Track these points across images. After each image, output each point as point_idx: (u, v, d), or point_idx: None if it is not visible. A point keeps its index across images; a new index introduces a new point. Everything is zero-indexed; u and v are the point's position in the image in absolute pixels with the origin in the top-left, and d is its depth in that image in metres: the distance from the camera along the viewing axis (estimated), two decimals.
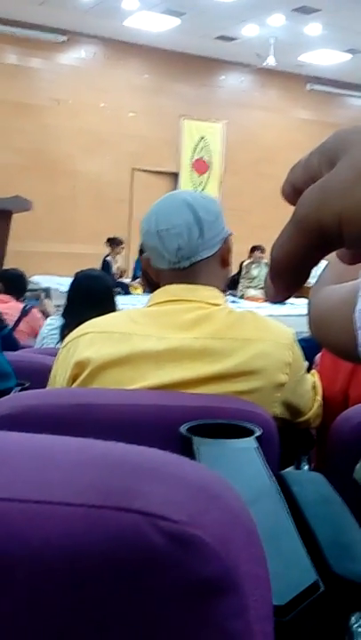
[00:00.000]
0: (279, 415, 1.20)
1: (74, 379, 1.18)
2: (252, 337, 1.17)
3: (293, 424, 1.30)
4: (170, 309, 1.20)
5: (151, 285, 1.35)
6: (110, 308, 2.42)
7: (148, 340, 1.15)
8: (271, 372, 1.16)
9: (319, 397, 1.35)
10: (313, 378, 1.38)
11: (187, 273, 1.24)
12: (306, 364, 1.30)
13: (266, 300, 7.11)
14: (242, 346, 1.15)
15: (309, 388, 1.32)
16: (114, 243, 7.79)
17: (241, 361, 1.14)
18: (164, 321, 1.18)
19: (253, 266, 7.84)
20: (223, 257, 1.28)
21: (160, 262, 1.25)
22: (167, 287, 1.24)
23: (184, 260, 1.23)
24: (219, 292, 1.26)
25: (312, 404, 1.32)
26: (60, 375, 1.22)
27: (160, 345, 1.14)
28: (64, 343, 1.26)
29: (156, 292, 1.26)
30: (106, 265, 7.73)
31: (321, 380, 1.39)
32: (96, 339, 1.18)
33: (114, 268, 7.59)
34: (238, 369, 1.13)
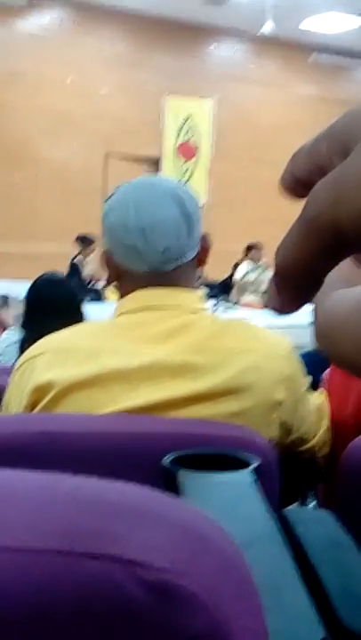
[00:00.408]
0: (278, 441, 1.21)
1: (33, 406, 1.17)
2: (240, 347, 1.17)
3: (296, 453, 1.30)
4: (142, 319, 1.20)
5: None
6: (76, 318, 2.43)
7: (118, 357, 1.15)
8: (265, 389, 1.16)
9: (326, 421, 1.35)
10: (319, 399, 1.38)
11: (168, 276, 1.23)
12: (309, 380, 1.30)
13: (265, 307, 7.13)
14: (229, 358, 1.15)
15: (313, 409, 1.32)
16: (84, 242, 7.76)
17: (228, 376, 1.14)
18: (137, 333, 1.18)
19: (250, 269, 7.73)
20: (201, 257, 1.30)
21: (137, 264, 1.23)
22: (139, 292, 1.23)
23: (170, 262, 1.22)
24: (198, 294, 1.27)
25: (317, 430, 1.33)
26: (13, 403, 1.22)
27: (133, 361, 1.14)
28: (17, 364, 1.25)
29: (125, 299, 1.25)
30: (74, 268, 7.70)
31: (330, 402, 1.40)
32: (56, 359, 1.17)
33: (84, 272, 7.58)
34: (226, 386, 1.14)
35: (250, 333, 1.22)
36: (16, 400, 1.21)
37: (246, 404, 1.15)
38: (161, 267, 1.22)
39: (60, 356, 1.17)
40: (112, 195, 1.27)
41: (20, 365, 1.23)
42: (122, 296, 1.27)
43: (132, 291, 1.24)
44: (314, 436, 1.32)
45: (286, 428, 1.22)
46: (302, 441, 1.29)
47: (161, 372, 1.14)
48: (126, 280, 1.26)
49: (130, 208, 1.21)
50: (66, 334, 1.24)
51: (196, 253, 1.26)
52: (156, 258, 1.21)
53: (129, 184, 1.26)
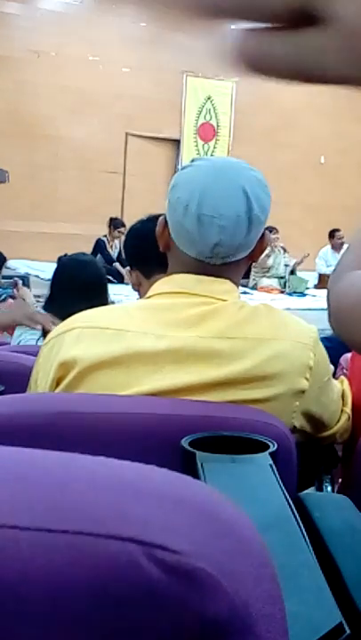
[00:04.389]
0: (299, 428, 1.21)
1: (58, 382, 1.18)
2: (266, 335, 1.16)
3: (316, 439, 1.30)
4: (171, 303, 1.19)
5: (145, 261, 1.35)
6: (102, 300, 2.41)
7: (145, 339, 1.14)
8: (289, 377, 1.15)
9: (348, 409, 1.34)
10: (341, 385, 1.37)
11: (213, 269, 1.21)
12: (331, 368, 1.30)
13: (283, 292, 7.11)
14: (255, 346, 1.14)
15: (336, 397, 1.31)
16: (115, 224, 7.71)
17: (254, 364, 1.13)
18: (165, 316, 1.17)
19: (267, 253, 7.66)
20: (254, 255, 1.27)
21: (186, 247, 1.21)
22: (173, 277, 1.23)
23: (218, 257, 1.20)
24: (232, 285, 1.23)
25: (339, 417, 1.32)
26: (42, 378, 1.22)
27: (159, 344, 1.14)
28: (46, 340, 1.25)
29: (157, 283, 1.25)
30: (99, 245, 7.68)
31: (351, 386, 1.39)
32: (85, 335, 1.17)
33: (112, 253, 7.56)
34: (250, 373, 1.13)
35: (277, 320, 1.20)
36: (44, 376, 1.21)
37: (270, 392, 1.14)
38: (207, 259, 1.20)
39: (89, 333, 1.17)
40: (186, 166, 1.24)
41: (49, 341, 1.23)
42: (162, 269, 1.28)
43: (178, 268, 1.23)
44: (336, 423, 1.31)
45: (309, 416, 1.22)
46: (324, 427, 1.29)
47: (187, 356, 1.13)
48: (173, 256, 1.26)
49: (195, 191, 1.17)
50: (97, 312, 1.24)
51: (249, 252, 1.23)
52: (206, 250, 1.19)
53: (204, 162, 1.22)
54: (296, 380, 1.16)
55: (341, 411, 1.33)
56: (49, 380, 1.19)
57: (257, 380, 1.13)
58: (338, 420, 1.31)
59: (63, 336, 1.19)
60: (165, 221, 1.25)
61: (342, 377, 1.44)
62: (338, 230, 8.39)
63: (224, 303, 1.19)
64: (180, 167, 1.27)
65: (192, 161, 1.26)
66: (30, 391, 1.28)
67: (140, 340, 1.14)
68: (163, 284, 1.24)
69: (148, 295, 1.25)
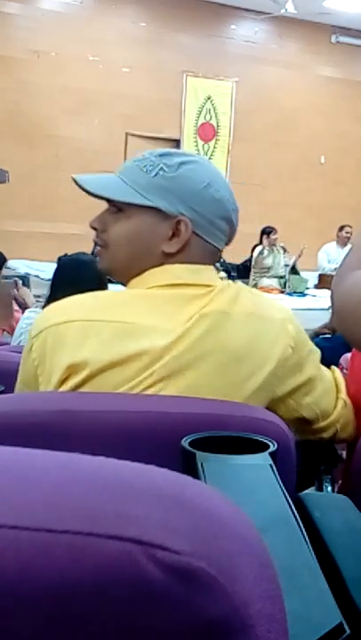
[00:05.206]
0: (297, 414, 1.25)
1: (63, 382, 1.14)
2: (254, 312, 1.20)
3: (318, 430, 1.30)
4: (172, 294, 1.18)
5: None
6: None
7: (154, 333, 1.13)
8: (269, 351, 1.19)
9: (344, 395, 1.34)
10: (334, 373, 1.38)
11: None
12: (319, 354, 1.31)
13: (283, 292, 7.10)
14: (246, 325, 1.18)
15: (329, 385, 1.33)
16: None
17: (238, 344, 1.16)
18: (169, 309, 1.16)
19: (265, 253, 7.52)
20: None
21: (217, 240, 1.27)
22: (166, 267, 1.22)
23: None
24: (213, 268, 1.29)
25: (336, 403, 1.32)
26: (45, 374, 1.16)
27: (168, 338, 1.13)
28: (36, 331, 1.19)
29: (151, 272, 1.23)
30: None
31: (351, 386, 1.39)
32: (89, 329, 1.13)
33: None
34: (235, 354, 1.16)
35: (255, 299, 1.24)
36: (45, 372, 1.16)
37: (254, 367, 1.17)
38: (224, 246, 1.30)
39: (94, 329, 1.13)
40: (203, 163, 1.28)
41: (40, 332, 1.17)
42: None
43: (194, 259, 1.24)
44: (334, 409, 1.31)
45: (301, 393, 1.25)
46: (323, 414, 1.29)
47: (195, 349, 1.14)
48: (192, 251, 1.24)
49: (227, 186, 1.27)
50: (93, 300, 1.21)
51: None
52: (227, 238, 1.29)
53: (199, 158, 1.29)
54: (277, 350, 1.19)
55: (337, 397, 1.33)
56: (53, 381, 1.14)
57: (243, 358, 1.16)
58: (335, 407, 1.32)
59: (58, 329, 1.14)
60: (185, 220, 1.23)
61: (333, 367, 1.44)
62: (348, 226, 8.46)
63: (219, 288, 1.20)
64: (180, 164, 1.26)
65: (203, 161, 1.29)
66: (24, 388, 1.23)
67: (150, 336, 1.13)
68: (158, 274, 1.22)
69: (146, 286, 1.22)
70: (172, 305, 1.17)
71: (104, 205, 1.32)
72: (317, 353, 1.29)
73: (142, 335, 1.13)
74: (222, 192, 1.25)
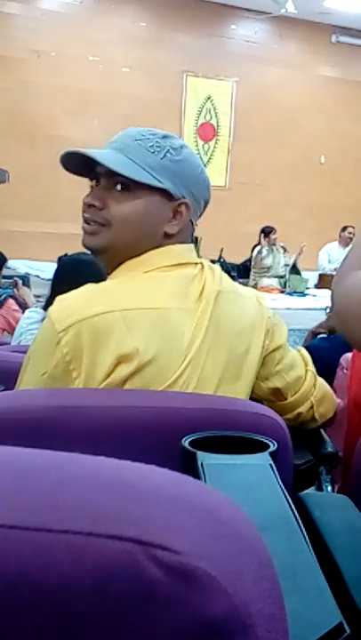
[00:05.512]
0: (273, 386, 1.33)
1: (109, 374, 1.09)
2: (234, 289, 1.29)
3: (292, 408, 1.36)
4: (179, 275, 1.22)
5: None
6: None
7: (180, 316, 1.16)
8: (255, 329, 1.28)
9: (311, 367, 1.41)
10: (300, 352, 1.44)
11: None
12: (287, 332, 1.38)
13: (283, 292, 7.10)
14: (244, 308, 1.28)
15: (294, 354, 1.39)
16: None
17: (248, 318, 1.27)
18: (181, 289, 1.20)
19: (265, 253, 7.45)
20: None
21: (196, 219, 1.32)
22: (170, 248, 1.25)
23: None
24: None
25: (304, 375, 1.39)
26: (84, 367, 1.10)
27: (192, 320, 1.18)
28: (62, 326, 1.11)
29: (152, 254, 1.23)
30: None
31: (352, 386, 1.39)
32: (129, 320, 1.10)
33: None
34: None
35: (227, 278, 1.31)
36: (83, 367, 1.10)
37: (250, 338, 1.26)
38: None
39: (135, 317, 1.11)
40: (194, 153, 1.32)
41: (69, 326, 1.10)
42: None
43: (183, 239, 1.28)
44: (304, 381, 1.37)
45: (274, 360, 1.32)
46: (294, 384, 1.36)
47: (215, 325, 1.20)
48: (186, 231, 1.29)
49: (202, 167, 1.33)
50: (118, 291, 1.17)
51: None
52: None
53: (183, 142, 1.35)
54: (260, 328, 1.29)
55: (306, 371, 1.40)
56: (99, 375, 1.09)
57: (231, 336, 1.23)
58: (304, 378, 1.38)
59: (93, 321, 1.09)
60: (187, 203, 1.27)
61: (299, 346, 1.51)
62: (351, 227, 8.47)
63: (205, 267, 1.26)
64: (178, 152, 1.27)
65: (181, 147, 1.31)
66: (50, 382, 1.14)
67: (178, 318, 1.16)
68: (162, 255, 1.23)
69: (147, 269, 1.21)
70: (183, 285, 1.20)
71: None
72: (285, 326, 1.37)
73: (174, 319, 1.15)
74: (208, 178, 1.33)
